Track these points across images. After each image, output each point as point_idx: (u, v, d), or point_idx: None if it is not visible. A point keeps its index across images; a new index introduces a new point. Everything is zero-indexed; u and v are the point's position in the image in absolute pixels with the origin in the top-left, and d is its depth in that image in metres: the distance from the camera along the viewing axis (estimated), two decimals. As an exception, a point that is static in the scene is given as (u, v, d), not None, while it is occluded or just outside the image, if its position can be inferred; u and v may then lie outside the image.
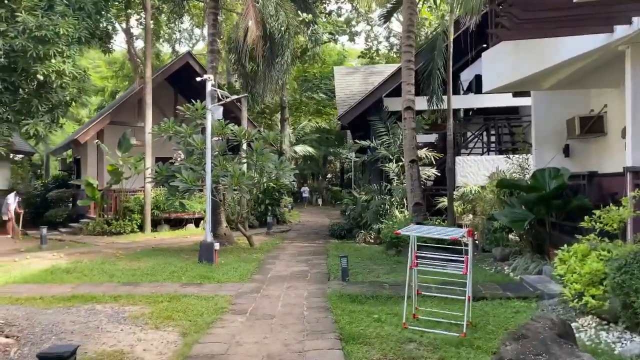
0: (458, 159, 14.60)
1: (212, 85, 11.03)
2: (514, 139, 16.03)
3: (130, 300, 7.59)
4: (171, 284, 8.83)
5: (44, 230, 14.54)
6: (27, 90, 13.28)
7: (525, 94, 12.00)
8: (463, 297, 6.34)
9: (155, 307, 7.17)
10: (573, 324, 5.55)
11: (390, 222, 12.78)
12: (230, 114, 19.50)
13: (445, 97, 13.52)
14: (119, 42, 30.30)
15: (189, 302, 7.38)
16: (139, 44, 28.72)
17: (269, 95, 19.90)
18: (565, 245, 6.63)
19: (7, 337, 5.41)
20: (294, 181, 38.10)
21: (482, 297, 7.50)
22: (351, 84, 19.55)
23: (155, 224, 18.73)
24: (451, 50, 12.78)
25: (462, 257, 6.01)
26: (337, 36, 25.13)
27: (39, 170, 27.53)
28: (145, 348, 5.37)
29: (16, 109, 13.01)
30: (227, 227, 14.51)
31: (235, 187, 11.54)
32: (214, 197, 13.20)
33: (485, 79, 10.67)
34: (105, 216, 18.32)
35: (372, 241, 14.29)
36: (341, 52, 35.51)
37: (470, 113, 18.41)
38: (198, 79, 11.23)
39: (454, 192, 14.12)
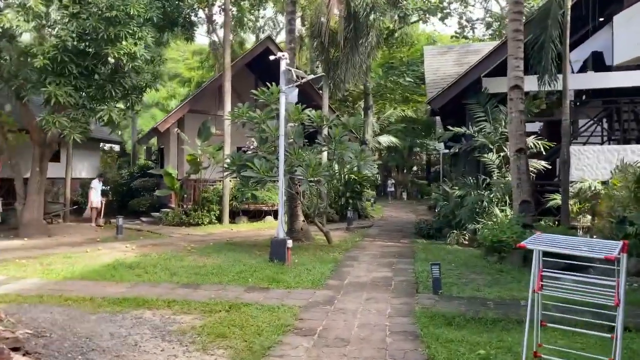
0: (573, 149, 12.35)
1: (287, 65, 9.82)
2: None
3: (185, 307, 6.56)
4: (235, 287, 7.76)
5: (120, 220, 14.23)
6: (101, 75, 12.96)
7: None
8: (601, 331, 4.65)
9: (209, 318, 6.08)
10: None
11: (490, 222, 10.95)
12: (311, 101, 18.37)
13: (558, 76, 11.34)
14: (204, 32, 30.12)
15: (250, 314, 6.22)
16: (222, 33, 28.50)
17: (352, 81, 18.52)
18: None
19: (27, 353, 4.50)
20: (377, 173, 36.56)
21: (624, 328, 5.65)
22: (443, 65, 17.62)
23: (234, 216, 18.09)
24: (568, 17, 10.63)
25: (606, 279, 4.29)
26: (427, 15, 23.13)
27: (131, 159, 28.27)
28: (182, 380, 4.24)
29: (91, 94, 12.72)
30: (304, 221, 13.35)
31: (311, 178, 10.29)
32: (290, 189, 12.12)
33: (617, 49, 8.55)
34: (185, 206, 17.96)
35: (467, 243, 12.50)
36: (430, 36, 33.20)
37: (584, 97, 15.84)
38: (272, 57, 10.08)
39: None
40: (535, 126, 15.94)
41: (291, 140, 10.99)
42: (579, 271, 5.24)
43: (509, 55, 10.18)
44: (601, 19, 17.22)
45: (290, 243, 9.67)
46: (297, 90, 9.99)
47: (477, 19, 26.49)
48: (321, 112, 11.18)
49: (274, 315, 6.19)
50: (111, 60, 11.71)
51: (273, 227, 16.05)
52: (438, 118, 25.84)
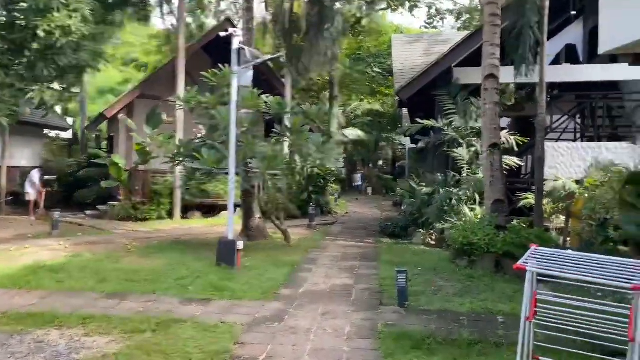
0: (546, 145, 11.69)
1: (241, 43, 8.70)
2: (615, 123, 12.86)
3: (103, 325, 5.42)
4: (170, 298, 6.65)
5: (57, 214, 12.81)
6: (32, 51, 11.48)
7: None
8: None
9: (129, 341, 4.97)
10: None
11: (459, 223, 10.14)
12: (274, 90, 17.23)
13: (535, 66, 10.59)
14: (163, 15, 28.26)
15: (180, 335, 5.14)
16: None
17: (316, 69, 17.44)
18: None
19: None
20: (342, 167, 35.63)
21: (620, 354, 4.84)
22: (412, 55, 16.77)
23: (187, 210, 16.86)
24: (547, 2, 9.86)
25: (617, 306, 3.43)
26: (395, 2, 22.20)
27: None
28: None
29: (20, 72, 11.23)
30: (260, 218, 12.28)
31: (267, 172, 9.24)
32: (245, 183, 11.02)
33: (604, 35, 7.76)
34: (133, 199, 16.59)
35: (434, 243, 11.70)
36: (398, 28, 32.40)
37: (555, 91, 15.29)
38: (222, 34, 8.91)
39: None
40: (504, 122, 15.26)
41: (245, 128, 9.89)
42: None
43: (485, 42, 9.35)
44: (573, 12, 16.73)
45: (241, 244, 8.60)
46: (251, 71, 8.89)
47: (447, 10, 25.79)
48: (280, 99, 10.10)
49: (210, 336, 5.13)
50: (42, 34, 10.29)
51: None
52: (405, 112, 25.11)
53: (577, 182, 11.30)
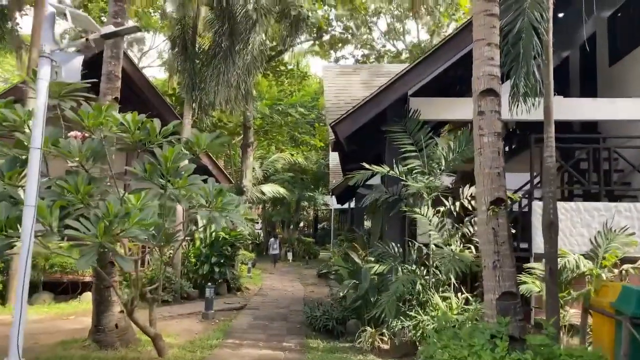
0: (536, 205, 8.41)
1: (60, 2, 4.64)
2: (608, 177, 9.82)
3: None
4: None
5: None
6: None
7: None
8: None
9: None
10: None
11: (436, 323, 6.29)
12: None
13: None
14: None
15: None
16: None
17: (225, 105, 13.57)
18: None
19: None
20: (259, 229, 31.31)
21: None
22: (348, 88, 13.37)
23: (32, 291, 11.89)
24: (552, -2, 6.82)
25: None
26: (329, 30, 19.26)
27: None
28: None
29: None
30: (122, 312, 7.81)
31: (109, 241, 5.00)
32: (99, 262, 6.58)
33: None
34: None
35: (387, 347, 7.79)
36: (322, 80, 29.72)
37: (511, 129, 12.41)
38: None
39: (535, 265, 7.94)
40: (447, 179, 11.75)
41: (74, 165, 5.62)
42: None
43: (477, 41, 5.94)
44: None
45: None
46: (80, 58, 4.79)
47: (385, 44, 23.23)
48: (141, 117, 5.95)
49: None
50: None
51: (89, 313, 10.19)
52: (333, 167, 21.84)
53: (586, 255, 8.02)
